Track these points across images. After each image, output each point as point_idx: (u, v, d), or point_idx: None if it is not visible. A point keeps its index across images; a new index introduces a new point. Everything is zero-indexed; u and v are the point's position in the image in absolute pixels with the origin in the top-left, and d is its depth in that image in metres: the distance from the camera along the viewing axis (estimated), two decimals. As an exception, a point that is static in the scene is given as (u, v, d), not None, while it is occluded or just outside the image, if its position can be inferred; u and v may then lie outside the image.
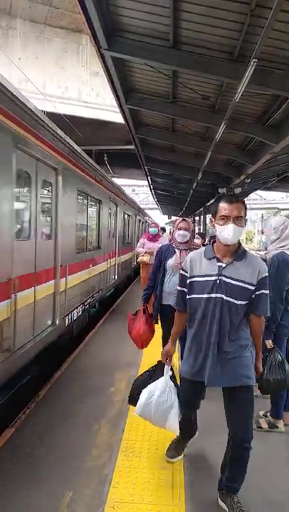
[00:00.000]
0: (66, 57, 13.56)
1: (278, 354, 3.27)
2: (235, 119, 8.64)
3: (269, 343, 3.30)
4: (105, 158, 18.16)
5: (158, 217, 45.67)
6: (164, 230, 17.22)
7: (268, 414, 3.61)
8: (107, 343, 6.16)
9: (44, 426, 3.55)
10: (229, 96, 7.65)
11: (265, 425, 3.51)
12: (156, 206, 40.69)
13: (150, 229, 8.22)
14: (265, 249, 3.69)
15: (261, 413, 3.71)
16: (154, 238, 8.11)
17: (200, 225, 28.76)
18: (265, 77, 6.32)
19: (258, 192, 24.70)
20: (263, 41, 5.03)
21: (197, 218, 32.06)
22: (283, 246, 3.38)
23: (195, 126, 10.56)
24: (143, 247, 8.12)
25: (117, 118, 11.90)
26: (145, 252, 8.01)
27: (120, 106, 9.27)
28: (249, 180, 13.95)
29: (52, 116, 9.17)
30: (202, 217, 25.84)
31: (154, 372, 2.95)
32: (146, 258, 7.94)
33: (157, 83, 8.37)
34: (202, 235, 14.33)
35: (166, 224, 39.88)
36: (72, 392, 4.29)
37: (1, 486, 2.72)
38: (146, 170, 17.29)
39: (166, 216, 45.83)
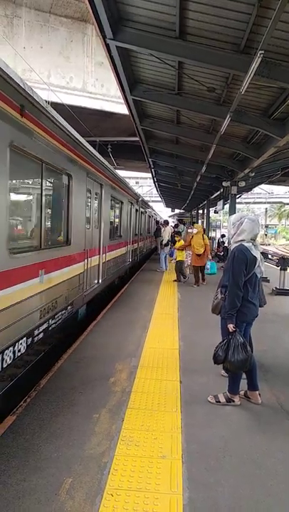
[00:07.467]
0: (71, 47, 13.46)
1: (239, 336, 3.67)
2: (241, 112, 8.55)
3: (231, 327, 3.69)
4: (109, 149, 18.10)
5: (162, 210, 45.60)
6: (167, 223, 17.13)
7: (227, 391, 3.97)
8: (110, 332, 6.20)
9: (44, 414, 3.60)
10: (235, 88, 7.57)
11: (223, 399, 3.94)
12: (159, 199, 40.59)
13: None
14: (229, 243, 4.07)
15: (242, 393, 4.05)
16: None
17: (203, 218, 28.68)
18: (271, 70, 6.23)
19: (262, 186, 24.59)
20: (270, 33, 4.95)
21: (201, 212, 31.95)
22: (242, 240, 3.75)
23: (200, 119, 10.46)
24: None
25: (122, 109, 11.84)
26: None
27: (125, 97, 9.19)
28: (253, 173, 13.87)
29: (56, 106, 9.14)
30: (206, 210, 25.75)
31: None
32: None
33: (162, 74, 8.29)
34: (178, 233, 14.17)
35: (170, 217, 39.83)
36: (73, 381, 4.34)
37: (1, 472, 2.77)
38: (150, 162, 17.19)
39: (170, 209, 45.73)
